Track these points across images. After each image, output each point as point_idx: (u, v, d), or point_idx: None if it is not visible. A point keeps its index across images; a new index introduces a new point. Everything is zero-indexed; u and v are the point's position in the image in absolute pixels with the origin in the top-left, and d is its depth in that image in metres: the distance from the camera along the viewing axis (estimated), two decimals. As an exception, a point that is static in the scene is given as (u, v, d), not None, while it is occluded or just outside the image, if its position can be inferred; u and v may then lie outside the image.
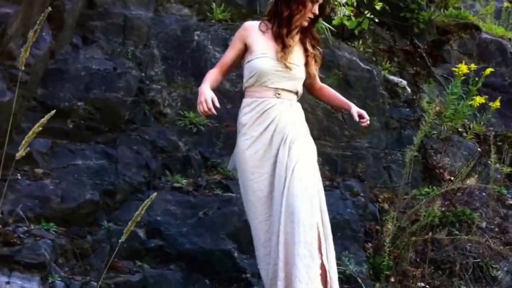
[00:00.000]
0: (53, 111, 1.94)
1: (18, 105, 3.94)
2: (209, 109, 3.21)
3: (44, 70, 4.24)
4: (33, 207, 3.45)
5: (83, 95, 4.12)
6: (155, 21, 4.78)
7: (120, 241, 2.01)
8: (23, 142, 1.84)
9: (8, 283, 3.03)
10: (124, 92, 4.22)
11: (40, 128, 1.85)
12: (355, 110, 3.50)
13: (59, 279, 3.19)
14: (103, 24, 4.66)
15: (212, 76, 3.38)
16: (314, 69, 3.46)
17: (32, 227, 3.36)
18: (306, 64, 3.40)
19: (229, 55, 3.41)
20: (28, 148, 3.66)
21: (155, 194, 2.08)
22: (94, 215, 3.63)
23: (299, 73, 3.37)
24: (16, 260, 3.13)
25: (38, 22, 2.28)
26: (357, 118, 3.47)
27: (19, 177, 3.58)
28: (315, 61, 3.42)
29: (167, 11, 5.02)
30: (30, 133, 1.85)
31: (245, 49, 3.36)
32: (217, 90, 4.70)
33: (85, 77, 4.20)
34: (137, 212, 1.96)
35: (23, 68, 1.78)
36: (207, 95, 3.24)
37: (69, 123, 4.04)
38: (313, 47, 3.40)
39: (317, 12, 3.32)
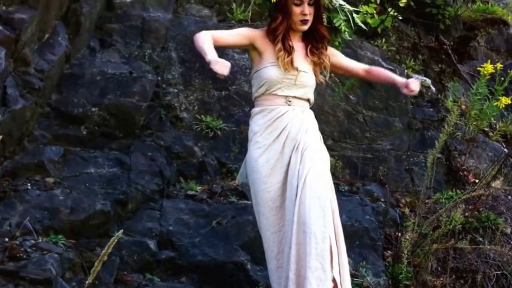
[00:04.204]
0: None
1: (31, 112, 3.71)
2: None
3: (59, 75, 3.98)
4: (41, 219, 3.21)
5: (97, 101, 3.86)
6: (173, 23, 4.48)
7: (87, 282, 1.71)
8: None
9: (12, 299, 2.82)
10: (139, 97, 3.93)
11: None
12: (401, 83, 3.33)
13: (65, 295, 2.95)
14: (121, 27, 4.39)
15: (212, 46, 2.92)
16: (337, 59, 3.22)
17: (40, 240, 3.12)
18: (319, 66, 3.13)
19: (231, 38, 3.03)
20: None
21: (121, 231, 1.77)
22: (104, 226, 3.37)
23: (309, 80, 3.09)
24: (22, 275, 2.90)
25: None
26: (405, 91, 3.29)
27: (29, 187, 3.34)
28: (322, 63, 3.12)
29: (187, 12, 4.73)
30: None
31: (250, 49, 3.08)
32: (235, 92, 4.43)
33: (100, 81, 3.93)
34: (103, 252, 1.67)
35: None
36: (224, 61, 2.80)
37: (83, 130, 3.78)
38: (318, 48, 3.08)
39: (306, 12, 3.00)
